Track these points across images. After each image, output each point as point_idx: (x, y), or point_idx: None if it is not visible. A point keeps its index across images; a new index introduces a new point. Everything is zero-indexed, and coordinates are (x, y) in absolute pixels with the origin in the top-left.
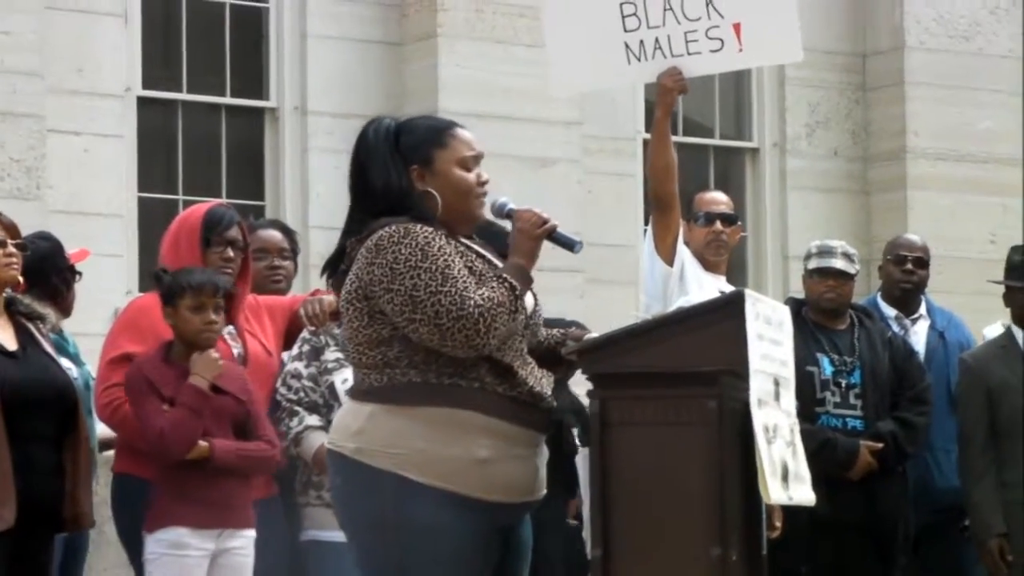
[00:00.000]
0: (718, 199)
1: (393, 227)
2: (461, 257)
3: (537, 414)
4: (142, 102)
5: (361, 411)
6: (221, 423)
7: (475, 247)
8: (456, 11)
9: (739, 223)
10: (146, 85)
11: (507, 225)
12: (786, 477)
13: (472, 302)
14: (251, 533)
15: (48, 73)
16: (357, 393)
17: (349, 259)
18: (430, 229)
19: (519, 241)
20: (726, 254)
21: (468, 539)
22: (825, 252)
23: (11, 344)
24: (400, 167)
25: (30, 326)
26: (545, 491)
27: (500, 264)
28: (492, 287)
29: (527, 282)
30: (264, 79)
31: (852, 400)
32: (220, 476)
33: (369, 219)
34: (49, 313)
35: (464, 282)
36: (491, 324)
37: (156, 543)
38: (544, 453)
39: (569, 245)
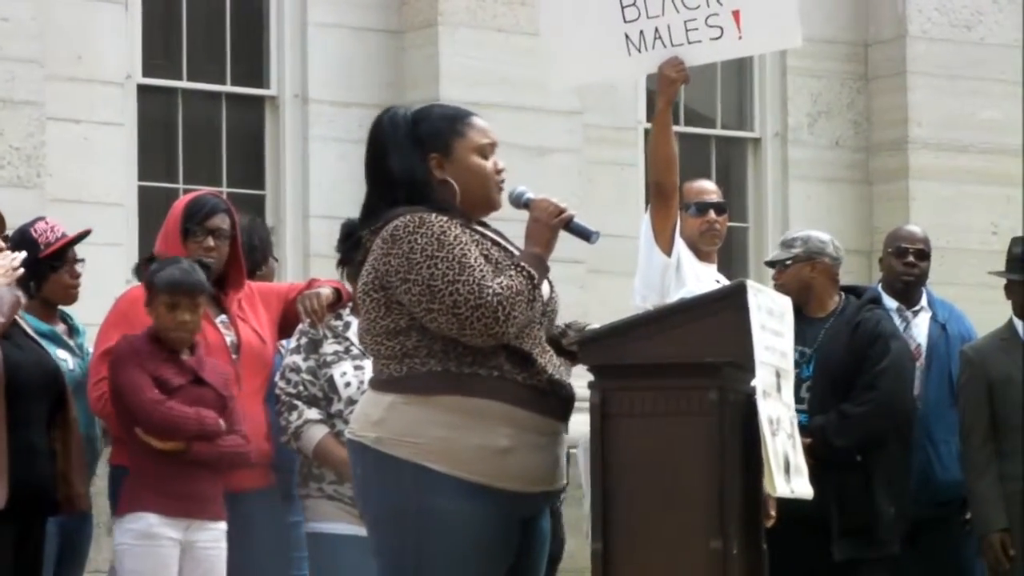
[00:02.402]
0: (708, 188)
1: (408, 217)
2: (477, 245)
3: (556, 402)
4: (142, 90)
5: (381, 401)
6: None
7: (490, 234)
8: None
9: (727, 211)
10: (146, 73)
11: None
12: (788, 469)
13: (490, 291)
14: (221, 526)
15: (48, 60)
16: (377, 383)
17: (365, 250)
18: (445, 218)
19: (536, 230)
20: (719, 243)
21: (488, 528)
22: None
23: None
24: (418, 156)
25: None
26: (565, 481)
27: (516, 251)
28: (510, 275)
29: (544, 270)
30: (265, 67)
31: (803, 393)
32: (192, 468)
33: (385, 208)
34: (19, 295)
35: (481, 271)
36: (510, 312)
37: (125, 532)
38: (564, 442)
39: (585, 235)
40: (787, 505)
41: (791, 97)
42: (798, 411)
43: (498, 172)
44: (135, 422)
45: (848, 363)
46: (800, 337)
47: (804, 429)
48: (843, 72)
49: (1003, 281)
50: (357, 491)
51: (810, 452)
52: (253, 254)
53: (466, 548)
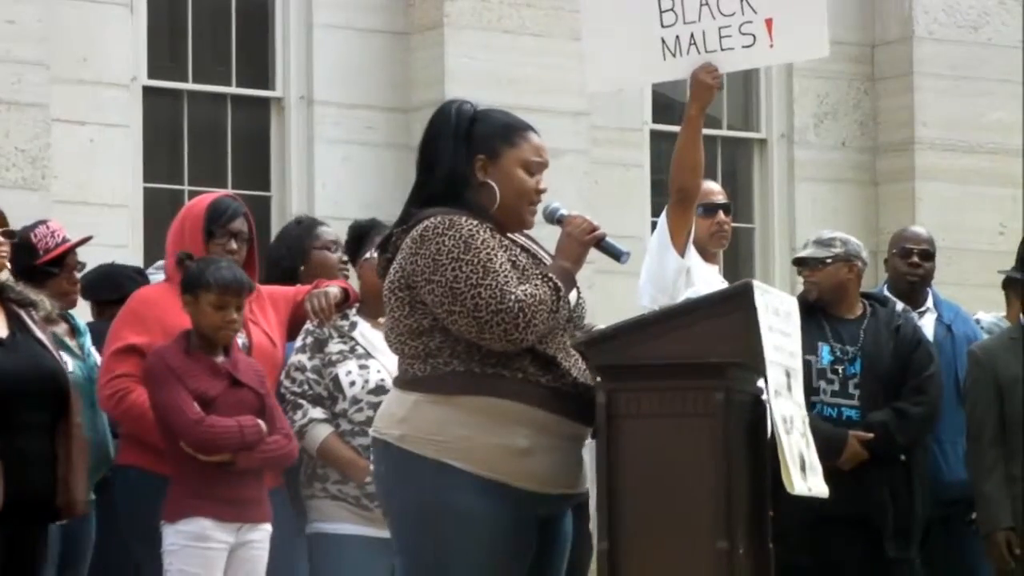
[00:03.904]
0: (715, 189)
1: (439, 218)
2: (505, 251)
3: (581, 405)
4: (148, 92)
5: (405, 400)
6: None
7: (520, 241)
8: (463, 0)
9: (732, 212)
10: (152, 75)
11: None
12: (803, 468)
13: (512, 297)
14: (268, 527)
15: (53, 62)
16: (401, 382)
17: (394, 247)
18: (475, 221)
19: (567, 245)
20: (727, 244)
21: (506, 527)
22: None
23: (1, 331)
24: (466, 153)
25: (22, 313)
26: (588, 485)
27: (546, 258)
28: (536, 284)
29: (571, 284)
30: (270, 69)
31: (851, 390)
32: (238, 472)
33: (421, 196)
34: (43, 300)
35: (505, 276)
36: (531, 320)
37: (177, 534)
38: (588, 446)
39: (616, 255)
40: (833, 503)
41: (797, 98)
42: (849, 407)
43: (538, 192)
44: (178, 439)
45: (893, 365)
46: (836, 335)
47: (860, 424)
48: (849, 73)
49: None
50: (379, 488)
51: (870, 447)
52: (281, 262)
53: (485, 545)
